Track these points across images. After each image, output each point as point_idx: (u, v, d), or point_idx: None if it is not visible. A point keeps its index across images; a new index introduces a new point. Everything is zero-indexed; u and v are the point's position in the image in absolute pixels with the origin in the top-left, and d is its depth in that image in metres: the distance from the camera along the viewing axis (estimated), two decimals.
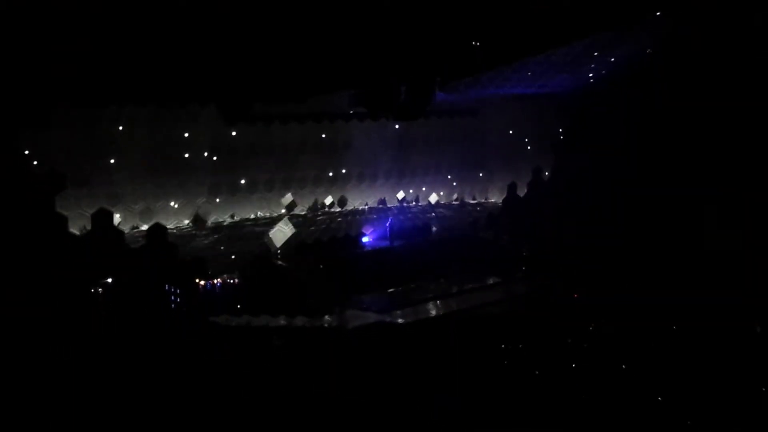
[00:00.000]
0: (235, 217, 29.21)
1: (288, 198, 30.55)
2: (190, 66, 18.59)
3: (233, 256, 22.54)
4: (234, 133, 28.01)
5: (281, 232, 24.51)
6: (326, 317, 17.77)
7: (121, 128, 25.03)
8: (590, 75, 25.58)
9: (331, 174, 31.87)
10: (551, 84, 26.75)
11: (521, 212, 27.52)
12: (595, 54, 23.04)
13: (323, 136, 30.87)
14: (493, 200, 34.67)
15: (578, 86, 26.83)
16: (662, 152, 22.98)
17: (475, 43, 21.11)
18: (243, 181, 29.08)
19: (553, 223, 24.67)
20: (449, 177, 35.63)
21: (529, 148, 34.12)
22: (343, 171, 32.17)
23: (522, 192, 29.20)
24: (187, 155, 27.05)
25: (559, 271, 21.05)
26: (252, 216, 29.30)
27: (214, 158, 28.00)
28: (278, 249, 23.60)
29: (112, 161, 25.04)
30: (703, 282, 16.42)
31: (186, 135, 26.83)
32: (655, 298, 15.51)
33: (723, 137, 21.01)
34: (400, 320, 18.28)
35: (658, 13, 19.34)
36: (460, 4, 18.49)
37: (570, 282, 19.31)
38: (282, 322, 17.02)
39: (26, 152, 19.87)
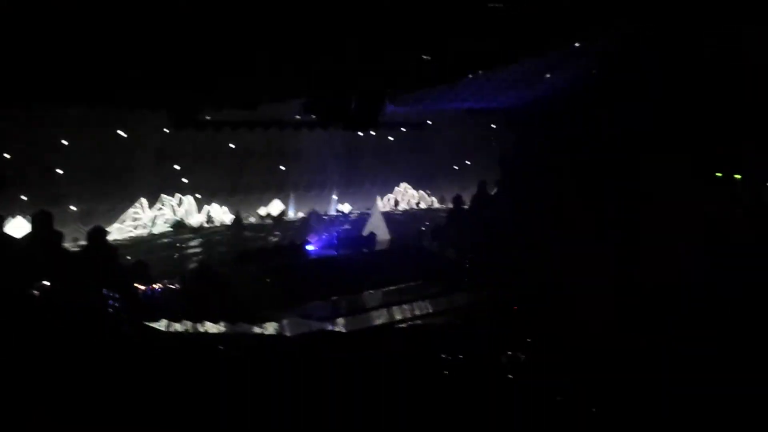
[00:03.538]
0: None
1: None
2: (140, 69, 18.34)
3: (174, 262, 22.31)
4: (181, 138, 27.67)
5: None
6: (268, 325, 17.70)
7: (66, 129, 24.59)
8: (538, 93, 26.01)
9: (278, 182, 31.71)
10: (499, 100, 27.09)
11: (465, 224, 27.80)
12: (543, 73, 23.45)
13: (272, 143, 30.72)
14: (439, 212, 34.95)
15: (526, 103, 27.25)
16: (607, 169, 23.49)
17: (426, 57, 21.31)
18: (189, 187, 28.68)
19: (496, 236, 24.99)
20: (397, 188, 35.83)
21: (475, 162, 34.57)
22: (291, 179, 32.08)
23: (467, 205, 29.54)
24: (133, 159, 26.69)
25: (500, 284, 21.34)
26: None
27: (161, 163, 27.66)
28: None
29: (55, 162, 24.57)
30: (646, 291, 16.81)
31: (133, 138, 26.45)
32: (594, 310, 15.82)
33: (666, 154, 21.57)
34: (342, 329, 18.30)
35: (607, 36, 19.80)
36: (411, 18, 18.63)
37: (510, 295, 19.58)
38: (222, 329, 16.89)
39: None
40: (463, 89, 24.88)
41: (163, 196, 27.95)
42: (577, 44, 20.69)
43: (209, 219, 28.68)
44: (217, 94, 21.27)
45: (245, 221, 29.51)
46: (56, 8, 15.49)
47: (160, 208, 27.77)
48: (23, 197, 23.32)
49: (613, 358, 13.13)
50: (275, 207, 30.75)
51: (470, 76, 22.91)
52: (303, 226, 30.07)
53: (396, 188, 35.90)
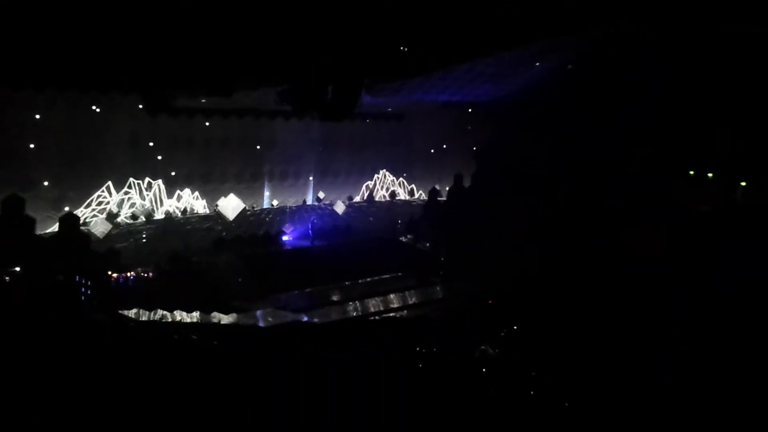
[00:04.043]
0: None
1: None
2: (114, 53, 18.10)
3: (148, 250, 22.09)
4: (155, 125, 27.34)
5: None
6: (242, 315, 17.63)
7: (37, 113, 24.14)
8: (515, 87, 26.13)
9: (253, 171, 31.47)
10: (477, 92, 27.19)
11: (441, 217, 27.87)
12: (520, 66, 23.56)
13: (247, 132, 30.46)
14: (414, 204, 34.99)
15: (503, 96, 27.36)
16: (582, 162, 23.65)
17: (404, 48, 21.28)
18: (162, 174, 28.30)
19: (472, 229, 25.08)
20: (373, 179, 35.79)
21: (452, 153, 34.66)
22: (266, 168, 31.85)
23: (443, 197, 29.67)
24: (105, 144, 26.27)
25: (475, 277, 21.44)
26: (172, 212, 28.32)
27: (134, 150, 27.28)
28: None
29: (27, 147, 24.12)
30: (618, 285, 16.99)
31: (106, 124, 26.04)
32: (567, 304, 15.94)
33: (645, 146, 21.79)
34: (317, 320, 18.28)
35: (581, 29, 19.91)
36: (390, 8, 18.61)
37: (485, 287, 19.69)
38: (196, 318, 16.79)
39: None
40: (440, 81, 24.93)
41: (132, 179, 27.25)
42: (551, 39, 20.87)
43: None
44: (192, 80, 21.07)
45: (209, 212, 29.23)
46: None
47: (127, 192, 27.14)
48: None
49: (585, 351, 13.28)
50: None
51: (446, 68, 22.99)
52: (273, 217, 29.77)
53: (375, 175, 35.93)
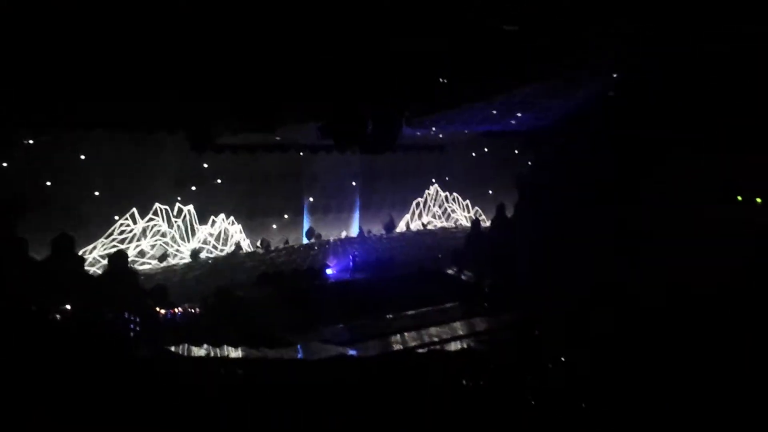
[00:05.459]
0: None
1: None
2: (159, 93, 18.51)
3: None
4: (200, 162, 27.76)
5: None
6: (287, 349, 17.70)
7: (86, 152, 24.66)
8: (555, 114, 26.01)
9: (296, 204, 31.75)
10: (517, 122, 27.13)
11: (484, 248, 27.70)
12: (559, 94, 23.46)
13: (290, 166, 30.76)
14: (458, 234, 34.88)
15: (544, 125, 27.25)
16: (624, 191, 23.39)
17: (443, 80, 21.38)
18: (207, 210, 28.62)
19: (516, 260, 24.89)
20: (414, 211, 35.84)
21: (494, 183, 34.58)
22: (309, 201, 32.13)
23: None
24: (152, 182, 26.66)
25: (520, 308, 21.23)
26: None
27: (180, 186, 27.66)
28: None
29: (76, 185, 24.60)
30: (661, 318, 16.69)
31: (152, 162, 26.44)
32: (614, 334, 15.71)
33: (683, 172, 21.46)
34: (362, 354, 18.25)
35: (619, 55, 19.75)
36: (428, 41, 18.76)
37: (531, 318, 19.48)
38: (242, 353, 16.90)
39: None
40: (478, 112, 24.93)
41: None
42: (589, 66, 20.76)
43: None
44: (236, 117, 21.41)
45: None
46: (80, 33, 15.70)
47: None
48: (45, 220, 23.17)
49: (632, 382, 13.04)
50: None
51: (486, 99, 22.99)
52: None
53: (426, 191, 36.22)
